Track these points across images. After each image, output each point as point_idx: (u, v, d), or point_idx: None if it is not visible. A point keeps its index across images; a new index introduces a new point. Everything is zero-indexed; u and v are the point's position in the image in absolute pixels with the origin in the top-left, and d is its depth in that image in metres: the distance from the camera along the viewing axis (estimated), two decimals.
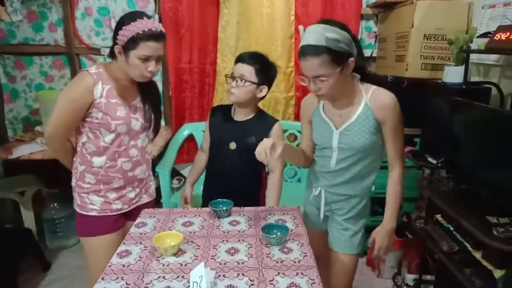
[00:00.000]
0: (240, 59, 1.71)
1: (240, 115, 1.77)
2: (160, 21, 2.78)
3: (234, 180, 1.74)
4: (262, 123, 1.76)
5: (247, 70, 1.67)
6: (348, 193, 1.50)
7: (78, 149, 1.53)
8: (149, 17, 1.40)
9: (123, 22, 1.38)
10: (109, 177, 1.53)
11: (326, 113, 1.47)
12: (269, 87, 1.75)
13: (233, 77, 1.69)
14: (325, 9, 2.75)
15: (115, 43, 1.40)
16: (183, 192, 1.90)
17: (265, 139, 1.35)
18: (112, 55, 1.47)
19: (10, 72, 2.89)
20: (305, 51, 1.25)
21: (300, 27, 1.36)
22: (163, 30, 1.42)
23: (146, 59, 1.39)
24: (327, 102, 1.47)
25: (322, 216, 1.58)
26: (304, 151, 1.60)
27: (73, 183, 1.58)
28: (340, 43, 1.23)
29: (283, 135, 1.80)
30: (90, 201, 1.54)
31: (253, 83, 1.67)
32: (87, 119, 1.45)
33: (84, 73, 1.43)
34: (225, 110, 1.82)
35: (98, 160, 1.51)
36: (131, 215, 1.61)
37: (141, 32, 1.35)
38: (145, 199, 1.69)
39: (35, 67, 2.90)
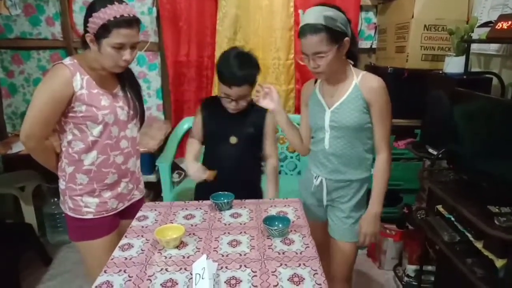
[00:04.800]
0: (232, 82, 1.57)
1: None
2: (158, 14, 2.77)
3: (236, 173, 1.70)
4: (257, 112, 1.73)
5: (245, 91, 1.61)
6: (348, 178, 1.52)
7: (64, 149, 1.44)
8: (120, 1, 1.32)
9: (94, 8, 1.29)
10: (102, 173, 1.45)
11: (321, 94, 1.54)
12: None
13: (231, 98, 1.61)
14: (325, 1, 2.72)
15: (86, 31, 1.32)
16: (194, 172, 1.65)
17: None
18: (84, 44, 1.38)
19: (8, 67, 2.88)
20: (305, 30, 1.34)
21: (300, 11, 1.40)
22: (136, 15, 1.35)
23: (119, 48, 1.32)
24: (322, 84, 1.55)
25: (325, 204, 1.60)
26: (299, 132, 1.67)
27: (62, 186, 1.48)
28: (337, 22, 1.33)
29: (275, 121, 1.74)
30: (84, 203, 1.46)
31: (251, 92, 1.65)
32: (70, 114, 1.37)
33: (59, 65, 1.35)
34: (216, 103, 1.74)
35: (88, 157, 1.42)
36: (125, 213, 1.57)
37: (112, 19, 1.27)
38: (137, 195, 1.64)
39: (32, 61, 2.89)
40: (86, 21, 1.31)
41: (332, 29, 1.32)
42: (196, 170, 1.65)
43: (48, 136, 1.43)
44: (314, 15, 1.33)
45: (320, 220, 1.64)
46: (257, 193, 1.76)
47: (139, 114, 1.57)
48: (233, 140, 1.71)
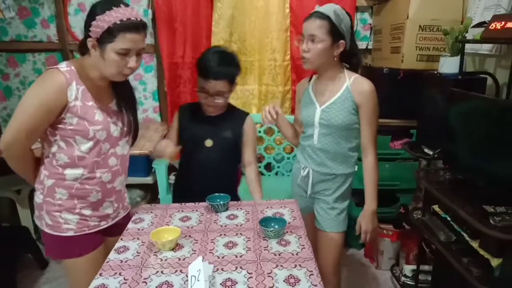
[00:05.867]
0: (210, 75, 1.57)
1: (213, 112, 1.71)
2: (153, 15, 2.77)
3: (211, 178, 1.69)
4: (235, 117, 1.74)
5: (224, 85, 1.59)
6: (333, 172, 1.62)
7: (47, 160, 1.31)
8: (126, 4, 1.23)
9: (95, 11, 1.19)
10: (86, 190, 1.33)
11: (313, 92, 1.63)
12: None
13: (208, 93, 1.60)
14: (320, 2, 2.71)
15: (87, 36, 1.21)
16: (165, 149, 1.57)
17: (266, 106, 1.54)
18: (82, 50, 1.28)
19: (3, 70, 2.87)
20: (313, 14, 1.48)
21: (317, 6, 1.51)
22: (144, 19, 1.25)
23: (125, 54, 1.22)
24: (315, 83, 1.64)
25: (309, 193, 1.69)
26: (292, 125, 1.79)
27: (38, 200, 1.35)
28: (341, 23, 1.45)
29: (256, 128, 1.81)
30: (64, 220, 1.33)
31: (229, 92, 1.64)
32: (59, 125, 1.24)
33: (54, 71, 1.23)
34: (194, 108, 1.74)
35: (72, 172, 1.30)
36: (111, 231, 1.45)
37: (118, 22, 1.17)
38: (122, 213, 1.52)
39: (28, 64, 2.88)
40: (88, 25, 1.21)
41: (335, 24, 1.44)
42: (163, 144, 1.57)
43: (32, 145, 1.31)
44: (326, 7, 1.47)
45: (305, 212, 1.67)
46: (233, 200, 1.70)
47: (133, 131, 1.47)
48: (208, 143, 1.70)
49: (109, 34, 1.18)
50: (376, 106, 1.52)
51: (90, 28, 1.20)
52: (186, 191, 1.75)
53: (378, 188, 1.60)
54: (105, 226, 1.44)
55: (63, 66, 1.25)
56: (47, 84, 1.22)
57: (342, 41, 1.47)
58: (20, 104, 1.22)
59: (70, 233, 1.35)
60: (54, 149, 1.29)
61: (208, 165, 1.70)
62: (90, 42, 1.22)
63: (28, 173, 1.37)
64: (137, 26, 1.22)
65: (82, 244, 1.37)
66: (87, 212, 1.37)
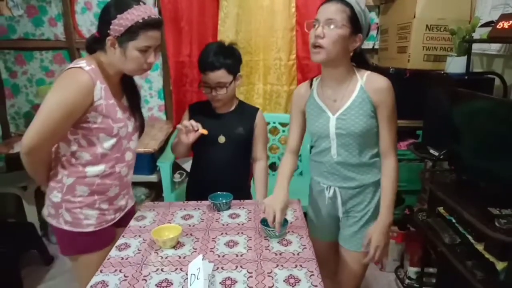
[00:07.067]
0: (207, 67, 1.61)
1: (223, 108, 1.74)
2: (159, 14, 2.77)
3: (225, 173, 1.71)
4: (245, 113, 1.76)
5: (222, 75, 1.60)
6: (362, 184, 1.42)
7: (64, 158, 1.31)
8: (143, 1, 1.25)
9: (117, 8, 1.20)
10: (106, 185, 1.36)
11: (320, 99, 1.41)
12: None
13: (210, 87, 1.63)
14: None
15: (106, 34, 1.21)
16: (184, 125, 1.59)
17: (273, 203, 1.30)
18: (93, 47, 1.30)
19: (11, 68, 2.90)
20: None
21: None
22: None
23: (145, 50, 1.25)
24: (320, 87, 1.42)
25: (341, 215, 1.48)
26: (290, 168, 1.56)
27: (56, 199, 1.33)
28: (361, 16, 1.29)
29: (266, 123, 1.82)
30: (84, 216, 1.34)
31: (231, 82, 1.64)
32: (83, 124, 1.25)
33: (78, 70, 1.20)
34: (205, 106, 1.76)
35: (93, 169, 1.32)
36: (119, 222, 1.47)
37: (141, 21, 1.19)
38: (130, 203, 1.54)
39: (35, 62, 2.91)
40: (106, 23, 1.20)
41: (356, 15, 1.27)
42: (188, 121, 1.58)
43: (52, 148, 1.32)
44: None
45: (332, 239, 1.55)
46: (246, 196, 1.73)
47: (142, 125, 1.49)
48: (221, 139, 1.71)
49: (132, 32, 1.21)
50: (394, 104, 1.34)
51: (110, 27, 1.20)
52: (200, 188, 1.75)
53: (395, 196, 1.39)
54: (119, 217, 1.46)
55: (84, 64, 1.22)
56: (73, 85, 1.20)
57: (360, 35, 1.31)
58: (43, 106, 1.19)
59: (91, 229, 1.36)
60: (74, 148, 1.29)
61: (221, 162, 1.71)
62: (109, 41, 1.22)
63: (44, 175, 1.36)
64: (158, 23, 1.26)
65: (101, 238, 1.39)
66: (105, 206, 1.39)
